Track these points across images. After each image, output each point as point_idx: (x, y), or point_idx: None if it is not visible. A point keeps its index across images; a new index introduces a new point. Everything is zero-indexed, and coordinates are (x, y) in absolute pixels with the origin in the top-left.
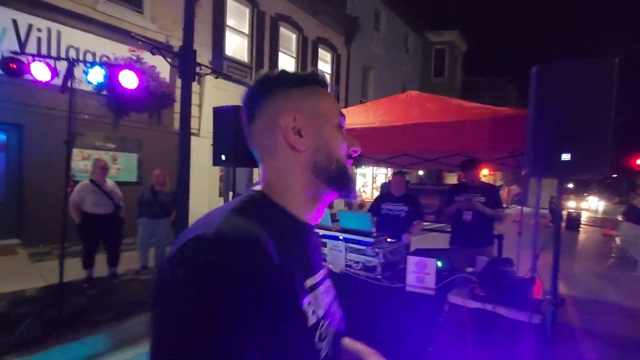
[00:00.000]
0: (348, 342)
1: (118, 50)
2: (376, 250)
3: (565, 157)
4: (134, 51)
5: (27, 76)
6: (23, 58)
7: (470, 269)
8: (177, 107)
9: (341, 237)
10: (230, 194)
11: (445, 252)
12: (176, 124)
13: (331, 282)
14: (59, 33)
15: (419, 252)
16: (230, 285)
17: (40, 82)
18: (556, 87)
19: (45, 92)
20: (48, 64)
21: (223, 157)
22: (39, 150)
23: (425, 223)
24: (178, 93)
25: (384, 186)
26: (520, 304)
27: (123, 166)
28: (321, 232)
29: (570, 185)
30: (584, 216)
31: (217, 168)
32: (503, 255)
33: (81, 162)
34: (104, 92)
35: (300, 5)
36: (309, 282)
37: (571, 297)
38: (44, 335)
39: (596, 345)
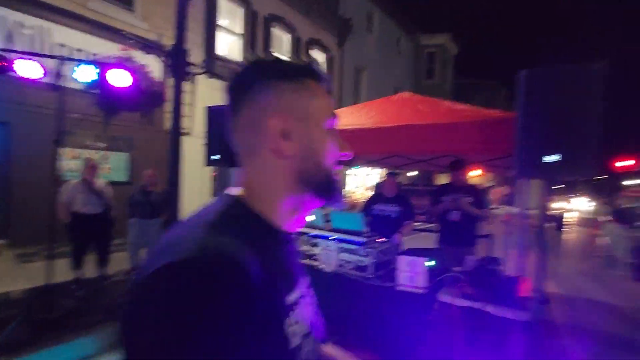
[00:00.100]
0: (325, 349)
1: (109, 48)
2: (368, 250)
3: (552, 158)
4: (125, 50)
5: (14, 73)
6: (10, 55)
7: (458, 268)
8: (168, 106)
9: (333, 237)
10: None
11: (434, 252)
12: (167, 124)
13: (311, 287)
14: (48, 30)
15: (410, 252)
16: (210, 317)
17: (28, 79)
18: (543, 91)
19: (34, 89)
20: (37, 62)
21: (216, 157)
22: (26, 149)
23: (416, 223)
24: (170, 92)
25: (376, 187)
26: (508, 302)
27: (113, 166)
28: (313, 232)
29: (558, 187)
30: (571, 216)
31: (209, 168)
32: (492, 255)
33: (71, 161)
34: (95, 91)
35: (293, 6)
36: (291, 298)
37: (557, 295)
38: (31, 338)
39: (581, 341)
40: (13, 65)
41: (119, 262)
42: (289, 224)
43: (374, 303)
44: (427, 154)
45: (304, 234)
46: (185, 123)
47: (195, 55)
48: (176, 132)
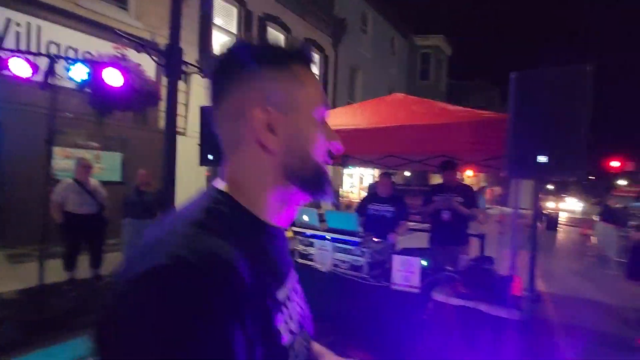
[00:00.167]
0: (315, 346)
1: (102, 47)
2: (363, 249)
3: (542, 159)
4: (118, 48)
5: (4, 71)
6: (1, 53)
7: (450, 267)
8: (162, 105)
9: (329, 237)
10: None
11: (428, 251)
12: (161, 123)
13: (298, 280)
14: (39, 28)
15: (404, 252)
16: (204, 322)
17: (19, 77)
18: (534, 93)
19: (25, 88)
20: (27, 60)
21: (211, 157)
22: (19, 148)
23: (411, 223)
24: (164, 92)
25: (371, 187)
26: (501, 301)
27: (107, 165)
28: (309, 232)
29: (550, 187)
30: (563, 216)
31: (204, 168)
32: (485, 254)
33: (63, 160)
34: (87, 90)
35: (288, 6)
36: (282, 295)
37: (549, 293)
38: (23, 339)
39: (573, 339)
40: (8, 64)
41: (113, 262)
42: (277, 218)
43: (369, 302)
44: (421, 154)
45: (300, 233)
46: (179, 122)
47: (190, 54)
48: (170, 132)
